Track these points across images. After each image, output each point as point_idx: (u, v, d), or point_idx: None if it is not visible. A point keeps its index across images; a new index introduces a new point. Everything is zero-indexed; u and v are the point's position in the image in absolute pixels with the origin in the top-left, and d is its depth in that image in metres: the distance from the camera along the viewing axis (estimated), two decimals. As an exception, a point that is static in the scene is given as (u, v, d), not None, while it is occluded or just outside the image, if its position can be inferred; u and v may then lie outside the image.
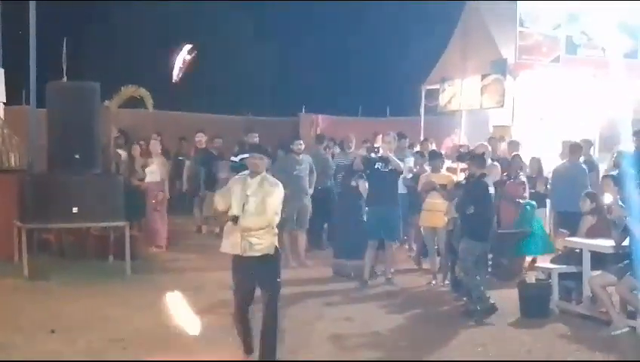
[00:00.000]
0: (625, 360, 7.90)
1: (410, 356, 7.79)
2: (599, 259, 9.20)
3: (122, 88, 14.01)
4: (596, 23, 15.50)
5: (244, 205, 6.94)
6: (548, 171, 13.00)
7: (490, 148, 13.00)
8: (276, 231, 7.16)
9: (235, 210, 6.96)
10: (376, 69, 25.81)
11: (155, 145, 14.04)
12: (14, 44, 13.88)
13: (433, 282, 11.33)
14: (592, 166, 12.99)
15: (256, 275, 7.04)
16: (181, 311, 9.04)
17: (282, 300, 9.55)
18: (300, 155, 12.73)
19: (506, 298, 9.90)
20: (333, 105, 21.99)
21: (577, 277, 9.52)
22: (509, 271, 11.39)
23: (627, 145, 12.50)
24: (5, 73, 14.00)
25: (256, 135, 14.10)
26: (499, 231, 11.22)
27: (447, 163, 12.45)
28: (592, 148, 13.98)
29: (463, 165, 11.17)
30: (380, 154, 11.36)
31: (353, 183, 11.76)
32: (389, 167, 11.22)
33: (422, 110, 18.28)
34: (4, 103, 14.19)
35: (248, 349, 7.24)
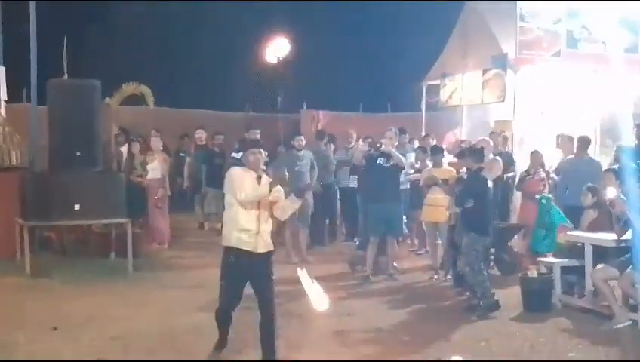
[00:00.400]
0: (627, 353, 7.90)
1: (412, 351, 7.79)
2: (601, 253, 9.20)
3: (123, 85, 14.01)
4: (597, 17, 15.46)
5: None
6: (550, 166, 13.02)
7: (491, 142, 13.01)
8: None
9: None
10: (377, 65, 25.74)
11: (156, 142, 14.03)
12: (15, 41, 13.87)
13: (435, 277, 11.34)
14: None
15: (255, 274, 6.98)
16: (183, 309, 9.07)
17: (284, 296, 9.59)
18: (301, 151, 12.74)
19: (508, 292, 9.92)
20: (334, 101, 21.96)
21: (579, 271, 9.52)
22: (511, 266, 11.37)
23: (628, 140, 12.48)
24: (6, 71, 14.01)
25: (258, 131, 14.11)
26: (499, 225, 11.22)
27: (449, 158, 12.45)
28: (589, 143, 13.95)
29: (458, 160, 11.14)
30: (381, 150, 11.34)
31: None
32: (391, 163, 11.20)
33: (423, 106, 18.27)
34: (5, 101, 14.20)
35: (222, 345, 7.25)
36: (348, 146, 14.75)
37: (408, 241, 13.64)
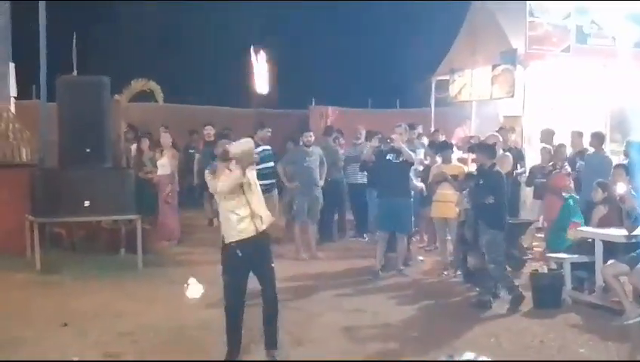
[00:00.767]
0: (638, 349, 7.87)
1: (421, 348, 7.77)
2: (611, 249, 9.17)
3: (132, 82, 14.04)
4: (606, 12, 15.42)
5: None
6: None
7: (501, 138, 12.96)
8: None
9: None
10: (386, 60, 25.72)
11: (166, 138, 14.02)
12: (25, 38, 13.89)
13: (445, 273, 11.32)
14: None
15: (256, 258, 7.10)
16: (192, 305, 9.07)
17: (293, 292, 9.62)
18: (310, 147, 12.73)
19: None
20: (343, 97, 21.95)
21: (590, 267, 9.49)
22: (521, 261, 11.34)
23: (638, 135, 12.44)
24: (16, 67, 14.03)
25: (269, 129, 14.07)
26: (509, 220, 11.18)
27: (458, 153, 12.41)
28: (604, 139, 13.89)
29: (474, 156, 11.11)
30: (391, 145, 11.31)
31: None
32: (401, 158, 11.17)
33: (432, 101, 18.24)
34: (15, 98, 14.22)
35: (236, 353, 7.15)
36: (356, 142, 14.72)
37: (417, 238, 13.62)
